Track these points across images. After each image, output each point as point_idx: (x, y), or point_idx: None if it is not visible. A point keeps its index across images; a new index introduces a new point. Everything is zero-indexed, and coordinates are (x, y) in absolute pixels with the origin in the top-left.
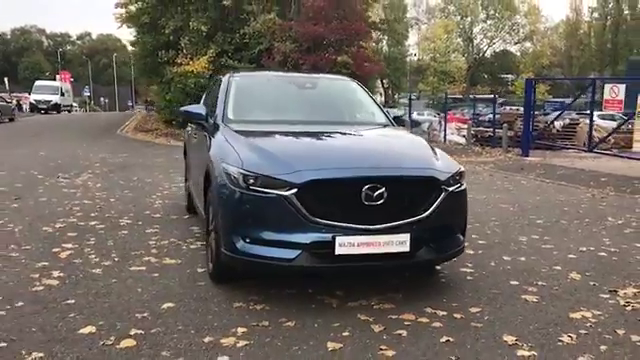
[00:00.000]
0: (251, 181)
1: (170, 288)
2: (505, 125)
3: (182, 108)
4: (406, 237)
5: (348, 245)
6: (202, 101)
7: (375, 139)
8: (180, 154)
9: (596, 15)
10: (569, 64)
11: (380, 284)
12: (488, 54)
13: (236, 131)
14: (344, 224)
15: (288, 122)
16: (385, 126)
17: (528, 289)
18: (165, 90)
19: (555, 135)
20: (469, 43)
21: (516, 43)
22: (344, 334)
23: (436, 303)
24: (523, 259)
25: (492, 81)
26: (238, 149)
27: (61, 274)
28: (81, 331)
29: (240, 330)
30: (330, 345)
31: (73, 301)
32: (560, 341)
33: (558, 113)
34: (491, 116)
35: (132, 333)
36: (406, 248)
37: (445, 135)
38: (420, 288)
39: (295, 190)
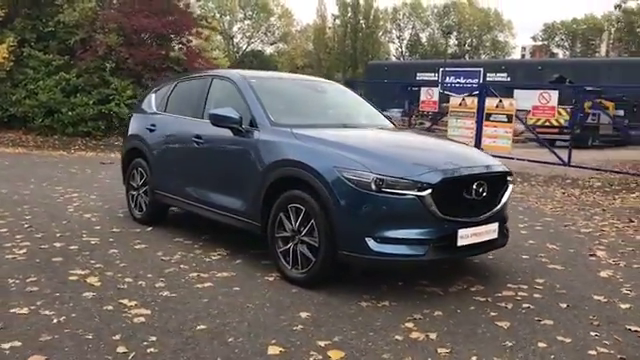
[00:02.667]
0: (384, 184)
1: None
2: None
3: (211, 112)
4: (496, 225)
5: (465, 237)
6: (157, 104)
7: (433, 140)
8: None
9: (338, 22)
10: (319, 66)
11: (449, 273)
12: (247, 53)
13: (305, 135)
14: (461, 218)
15: (329, 126)
16: (393, 126)
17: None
18: None
19: None
20: (229, 41)
21: (272, 44)
22: (493, 313)
23: (511, 280)
24: None
25: None
26: (341, 152)
27: None
28: None
29: (408, 325)
30: (500, 324)
31: None
32: None
33: None
34: None
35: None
36: (495, 235)
37: None
38: (480, 271)
39: (430, 190)
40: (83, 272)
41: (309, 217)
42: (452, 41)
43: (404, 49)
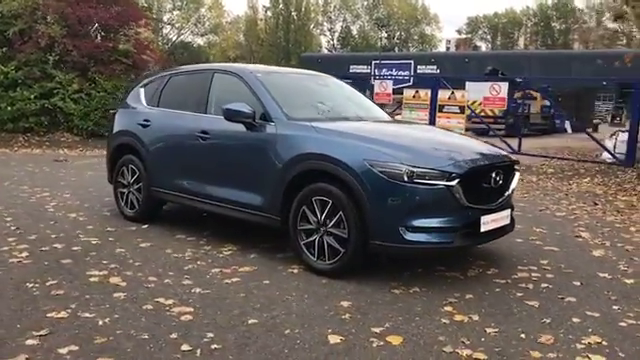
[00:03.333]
0: (415, 175)
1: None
2: None
3: (225, 106)
4: (508, 212)
5: (486, 223)
6: (147, 99)
7: (441, 132)
8: None
9: (269, 14)
10: (251, 58)
11: (460, 258)
12: (177, 45)
13: (325, 129)
14: (483, 205)
15: (343, 119)
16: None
17: None
18: None
19: None
20: (158, 33)
21: (202, 35)
22: (519, 294)
23: (519, 263)
24: None
25: None
26: (369, 145)
27: None
28: None
29: (447, 309)
30: (530, 303)
31: None
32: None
33: None
34: None
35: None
36: (508, 221)
37: None
38: (488, 256)
39: (458, 180)
40: (101, 273)
41: (336, 209)
42: (382, 34)
43: (336, 41)
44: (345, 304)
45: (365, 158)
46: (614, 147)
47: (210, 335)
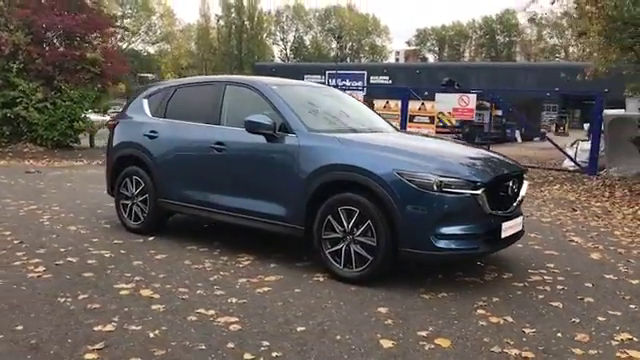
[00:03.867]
0: (443, 185)
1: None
2: None
3: (247, 119)
4: (521, 219)
5: (506, 229)
6: (152, 110)
7: (455, 143)
8: None
9: (222, 22)
10: (203, 67)
11: (473, 264)
12: (127, 52)
13: (349, 140)
14: (501, 212)
15: (360, 130)
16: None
17: None
18: None
19: None
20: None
21: (154, 43)
22: (540, 296)
23: (528, 267)
24: None
25: (133, 80)
26: (396, 156)
27: None
28: None
29: (480, 312)
30: (554, 304)
31: None
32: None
33: None
34: None
35: None
36: (521, 227)
37: None
38: (497, 261)
39: (483, 188)
40: (129, 285)
41: (364, 218)
42: (334, 44)
43: (289, 51)
44: (383, 310)
45: (394, 168)
46: (575, 155)
47: (266, 343)
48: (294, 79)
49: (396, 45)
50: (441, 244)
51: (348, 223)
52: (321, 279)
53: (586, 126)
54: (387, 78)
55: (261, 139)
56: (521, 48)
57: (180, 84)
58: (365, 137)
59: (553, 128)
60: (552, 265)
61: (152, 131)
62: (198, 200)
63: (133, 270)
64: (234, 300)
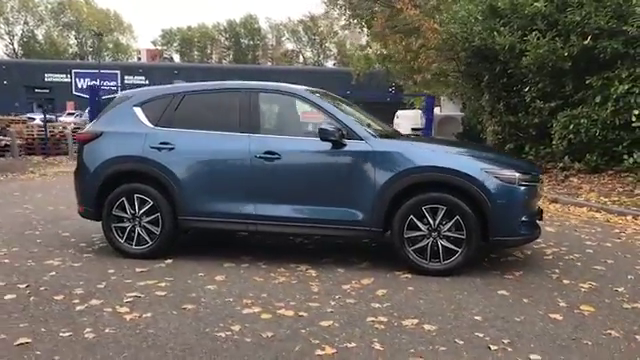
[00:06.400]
0: (522, 179)
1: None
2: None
3: (321, 126)
4: None
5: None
6: (153, 120)
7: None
8: None
9: None
10: None
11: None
12: None
13: (422, 144)
14: None
15: (387, 135)
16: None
17: None
18: None
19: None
20: None
21: None
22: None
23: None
24: None
25: None
26: (473, 158)
27: None
28: None
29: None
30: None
31: None
32: None
33: None
34: None
35: None
36: None
37: None
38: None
39: (540, 181)
40: (252, 310)
41: (452, 214)
42: (73, 40)
43: (17, 46)
44: (500, 292)
45: (482, 167)
46: None
47: (421, 348)
48: (31, 78)
49: (142, 44)
50: (524, 230)
51: (434, 220)
52: (409, 276)
53: None
54: (143, 78)
55: (326, 146)
56: (263, 52)
57: (187, 91)
58: (421, 142)
59: None
60: (573, 256)
61: (163, 142)
62: (241, 213)
63: (232, 295)
64: (386, 305)
